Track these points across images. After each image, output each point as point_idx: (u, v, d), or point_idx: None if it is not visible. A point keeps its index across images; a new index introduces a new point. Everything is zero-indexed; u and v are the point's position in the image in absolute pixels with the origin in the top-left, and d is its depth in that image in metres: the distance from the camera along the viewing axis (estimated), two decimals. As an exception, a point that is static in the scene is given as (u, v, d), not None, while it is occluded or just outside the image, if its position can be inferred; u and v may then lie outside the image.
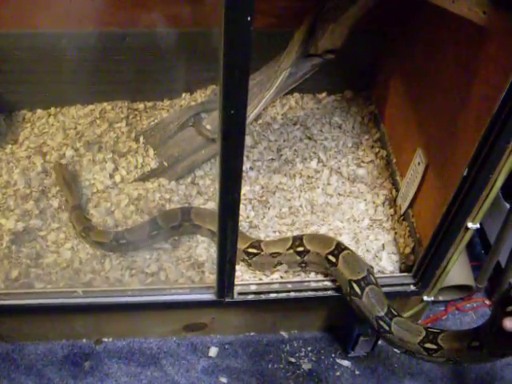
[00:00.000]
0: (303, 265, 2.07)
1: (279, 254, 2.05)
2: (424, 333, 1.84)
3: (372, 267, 2.04)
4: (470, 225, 1.77)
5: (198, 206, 2.28)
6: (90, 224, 2.21)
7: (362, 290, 1.90)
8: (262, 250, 2.05)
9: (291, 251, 2.04)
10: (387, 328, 1.86)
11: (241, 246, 2.04)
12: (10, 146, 2.53)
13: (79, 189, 2.36)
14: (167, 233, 2.17)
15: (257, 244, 2.07)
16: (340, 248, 1.99)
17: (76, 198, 2.29)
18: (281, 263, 2.07)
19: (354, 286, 1.91)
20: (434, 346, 1.81)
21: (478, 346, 1.72)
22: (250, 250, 2.06)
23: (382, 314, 1.87)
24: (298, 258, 2.05)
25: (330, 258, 1.98)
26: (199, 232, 2.21)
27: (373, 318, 1.88)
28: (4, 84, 2.58)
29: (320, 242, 2.04)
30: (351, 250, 2.00)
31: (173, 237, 2.20)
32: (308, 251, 2.02)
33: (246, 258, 2.08)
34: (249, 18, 1.14)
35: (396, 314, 1.89)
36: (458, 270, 2.17)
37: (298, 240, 2.05)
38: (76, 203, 2.27)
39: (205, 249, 2.17)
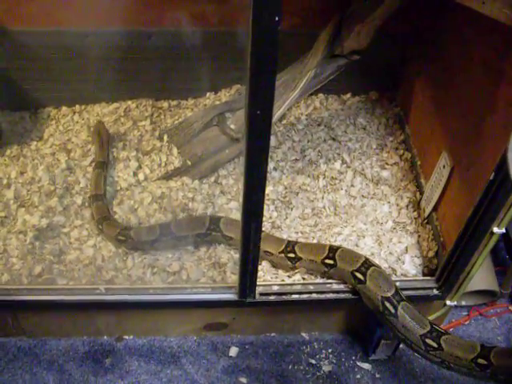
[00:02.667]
0: (295, 269, 2.09)
1: (271, 254, 2.06)
2: (428, 328, 1.84)
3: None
4: (495, 229, 1.75)
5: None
6: (100, 194, 2.27)
7: (364, 274, 1.90)
8: None
9: (282, 255, 2.05)
10: (393, 311, 1.85)
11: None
12: (35, 142, 2.55)
13: (109, 150, 2.45)
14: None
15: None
16: (334, 250, 2.00)
17: (103, 154, 2.39)
18: (273, 262, 2.09)
19: (357, 274, 1.92)
20: (435, 344, 1.81)
21: (484, 365, 1.75)
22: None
23: (388, 294, 1.86)
24: (289, 263, 2.06)
25: (328, 261, 1.99)
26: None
27: (378, 299, 1.87)
28: (30, 81, 2.60)
29: (313, 249, 2.05)
30: (343, 247, 2.02)
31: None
32: (300, 258, 2.03)
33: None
34: (277, 18, 1.14)
35: (404, 298, 1.88)
36: (481, 275, 2.15)
37: (290, 246, 2.05)
38: (101, 160, 2.37)
39: (223, 250, 2.17)
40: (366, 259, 1.95)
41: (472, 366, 1.78)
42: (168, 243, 2.15)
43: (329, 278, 2.03)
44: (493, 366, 1.74)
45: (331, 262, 1.97)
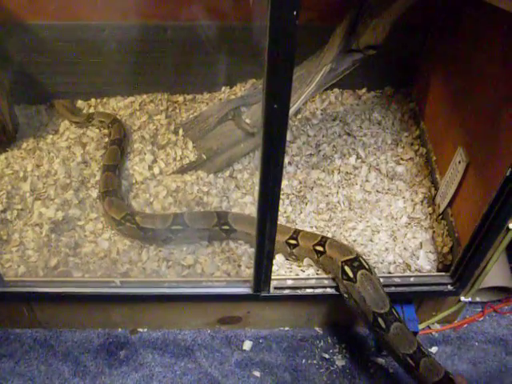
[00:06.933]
0: (230, 241, 2.15)
1: (207, 229, 2.12)
2: (355, 255, 1.95)
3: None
4: (511, 225, 1.74)
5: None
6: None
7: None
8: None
9: (217, 228, 2.10)
10: (321, 250, 1.99)
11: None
12: (50, 136, 2.57)
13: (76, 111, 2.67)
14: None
15: (180, 218, 2.13)
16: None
17: (77, 116, 2.60)
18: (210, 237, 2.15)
19: (294, 237, 2.05)
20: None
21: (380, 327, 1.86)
22: (174, 228, 2.13)
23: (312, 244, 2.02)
24: (224, 235, 2.11)
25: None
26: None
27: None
28: (46, 75, 2.62)
29: (249, 222, 2.11)
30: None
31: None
32: (235, 230, 2.09)
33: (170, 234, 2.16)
34: (295, 13, 1.14)
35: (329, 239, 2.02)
36: (496, 271, 2.14)
37: (222, 218, 2.11)
38: (79, 120, 2.58)
39: (237, 244, 2.18)
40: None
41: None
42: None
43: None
44: None
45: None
